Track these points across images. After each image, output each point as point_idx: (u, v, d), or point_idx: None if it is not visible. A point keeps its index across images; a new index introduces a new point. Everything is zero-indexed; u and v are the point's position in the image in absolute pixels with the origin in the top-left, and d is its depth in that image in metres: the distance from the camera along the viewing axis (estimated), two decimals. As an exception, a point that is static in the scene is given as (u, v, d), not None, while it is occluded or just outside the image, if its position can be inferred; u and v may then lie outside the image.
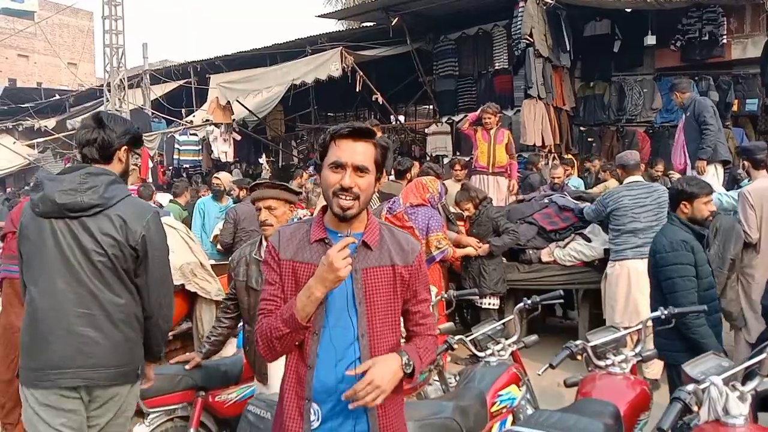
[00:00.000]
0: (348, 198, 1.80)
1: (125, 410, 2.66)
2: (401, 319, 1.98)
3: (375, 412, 1.84)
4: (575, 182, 8.55)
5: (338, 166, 1.81)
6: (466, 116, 7.86)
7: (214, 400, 3.35)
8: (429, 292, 2.04)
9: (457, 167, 7.73)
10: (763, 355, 2.27)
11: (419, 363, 1.87)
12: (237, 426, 3.38)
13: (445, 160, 10.85)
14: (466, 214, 5.99)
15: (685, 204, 3.52)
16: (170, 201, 8.54)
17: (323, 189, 1.87)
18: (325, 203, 1.91)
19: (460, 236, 5.83)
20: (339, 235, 1.85)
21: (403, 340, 2.01)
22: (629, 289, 5.03)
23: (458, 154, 10.69)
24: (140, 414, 3.09)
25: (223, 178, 7.56)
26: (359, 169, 1.81)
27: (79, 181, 2.49)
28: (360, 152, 1.82)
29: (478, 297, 5.47)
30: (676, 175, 5.64)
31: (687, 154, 6.55)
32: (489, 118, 7.38)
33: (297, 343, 1.84)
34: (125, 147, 2.66)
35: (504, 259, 6.10)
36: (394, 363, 1.79)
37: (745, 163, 5.46)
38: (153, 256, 2.55)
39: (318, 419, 1.82)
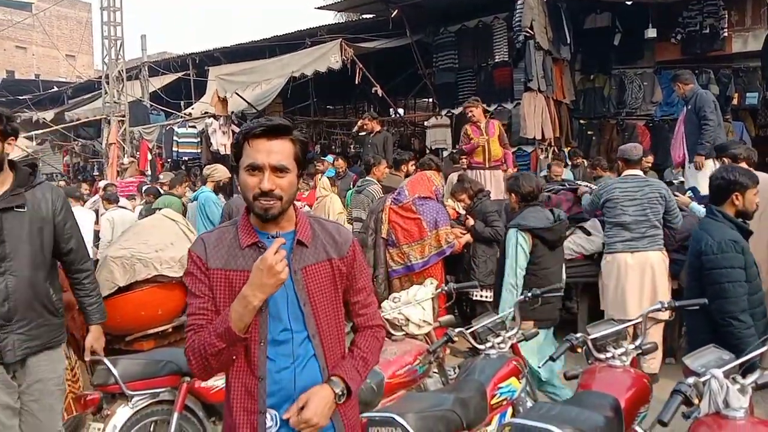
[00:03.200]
0: (270, 200, 1.71)
1: None
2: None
3: (337, 411, 1.79)
4: (566, 175, 8.60)
5: (255, 168, 1.70)
6: (464, 110, 7.85)
7: (200, 386, 3.38)
8: (367, 279, 1.96)
9: (464, 159, 7.79)
10: (764, 348, 2.28)
11: (359, 379, 1.83)
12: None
13: (444, 153, 10.84)
14: (461, 205, 6.02)
15: (737, 196, 3.23)
16: (165, 193, 8.48)
17: (243, 192, 1.76)
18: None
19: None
20: (269, 236, 1.77)
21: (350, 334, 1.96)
22: (617, 281, 5.05)
23: (457, 147, 10.68)
24: (123, 396, 3.14)
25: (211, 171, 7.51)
26: (278, 170, 1.71)
27: None
28: (276, 151, 1.71)
29: (473, 289, 5.50)
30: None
31: (686, 147, 6.56)
32: (472, 111, 7.40)
33: (234, 357, 1.74)
34: None
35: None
36: (328, 395, 1.74)
37: (725, 160, 5.58)
38: None
39: (276, 424, 1.74)
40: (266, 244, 1.73)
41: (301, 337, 1.77)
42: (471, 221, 5.75)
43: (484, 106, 8.51)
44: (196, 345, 1.71)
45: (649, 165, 8.31)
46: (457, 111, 11.00)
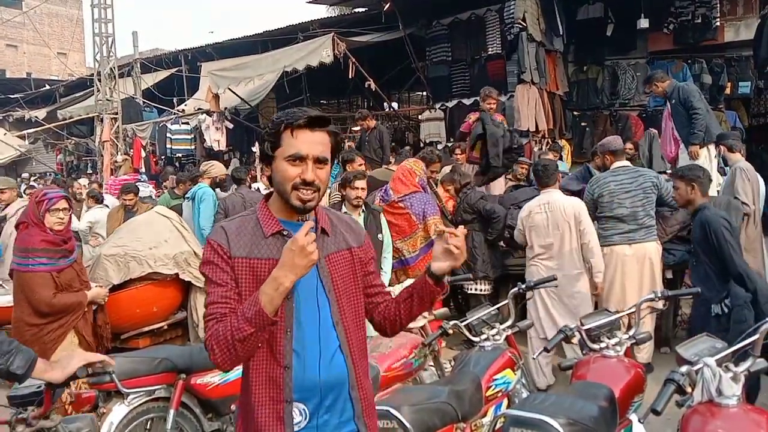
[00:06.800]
0: (309, 191, 1.73)
1: None
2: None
3: (358, 395, 1.80)
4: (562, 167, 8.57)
5: (298, 158, 1.72)
6: (460, 102, 7.79)
7: (196, 382, 3.39)
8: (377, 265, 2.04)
9: (458, 152, 7.76)
10: (756, 336, 2.29)
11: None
12: (221, 408, 3.45)
13: (439, 147, 10.82)
14: (447, 195, 6.07)
15: None
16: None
17: (279, 181, 1.75)
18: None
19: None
20: (295, 224, 1.77)
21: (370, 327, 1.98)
22: (615, 274, 5.02)
23: (452, 140, 10.67)
24: (119, 394, 3.14)
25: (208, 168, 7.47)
26: (320, 161, 1.74)
27: None
28: (319, 143, 1.74)
29: (468, 282, 5.49)
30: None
31: (678, 142, 6.56)
32: (491, 103, 7.35)
33: (259, 345, 1.69)
34: None
35: (502, 243, 6.11)
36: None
37: (722, 147, 5.58)
38: None
39: (305, 418, 1.72)
40: (291, 231, 1.72)
41: (327, 325, 1.78)
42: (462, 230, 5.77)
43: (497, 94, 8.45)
44: (220, 333, 1.65)
45: (632, 150, 8.24)
46: (450, 104, 10.98)
